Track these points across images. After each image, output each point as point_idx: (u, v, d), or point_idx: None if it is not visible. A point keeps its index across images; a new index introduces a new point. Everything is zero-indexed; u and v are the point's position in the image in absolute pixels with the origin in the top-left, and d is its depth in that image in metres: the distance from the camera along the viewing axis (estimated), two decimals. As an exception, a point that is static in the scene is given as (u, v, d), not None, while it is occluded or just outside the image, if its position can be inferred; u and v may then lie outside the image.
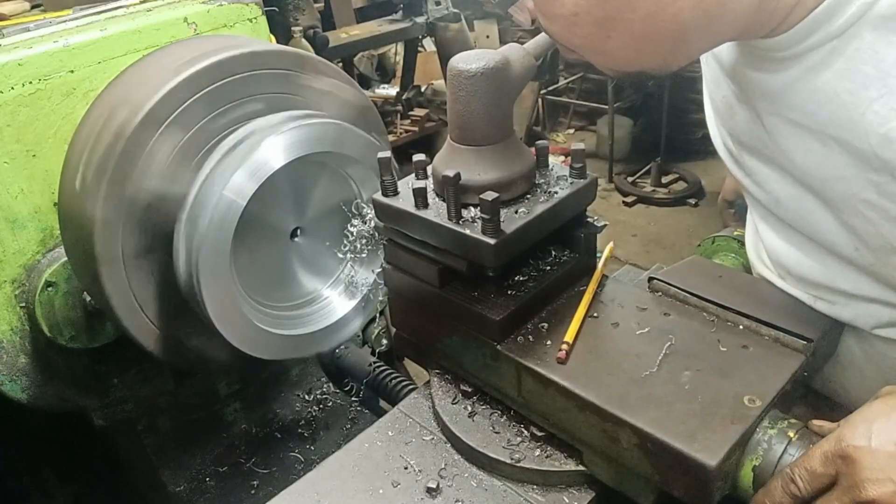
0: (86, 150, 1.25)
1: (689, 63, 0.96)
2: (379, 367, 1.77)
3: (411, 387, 1.68)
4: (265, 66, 1.30)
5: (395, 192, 1.08)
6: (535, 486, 1.01)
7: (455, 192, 0.98)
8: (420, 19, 4.50)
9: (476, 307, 1.04)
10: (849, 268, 1.01)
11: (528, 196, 1.06)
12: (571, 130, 6.86)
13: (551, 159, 1.15)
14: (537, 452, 1.03)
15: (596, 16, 0.86)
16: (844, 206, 0.93)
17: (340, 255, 1.39)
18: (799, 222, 1.05)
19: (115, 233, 1.22)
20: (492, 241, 0.95)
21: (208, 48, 1.29)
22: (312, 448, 1.74)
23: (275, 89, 1.32)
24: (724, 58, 1.04)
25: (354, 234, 1.34)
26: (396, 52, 6.36)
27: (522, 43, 1.09)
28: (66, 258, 1.39)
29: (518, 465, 1.01)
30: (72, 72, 1.38)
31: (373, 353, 1.84)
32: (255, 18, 1.63)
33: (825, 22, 0.83)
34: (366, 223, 1.32)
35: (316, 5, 4.28)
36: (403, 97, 5.62)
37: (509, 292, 1.06)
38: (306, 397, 1.89)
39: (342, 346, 1.83)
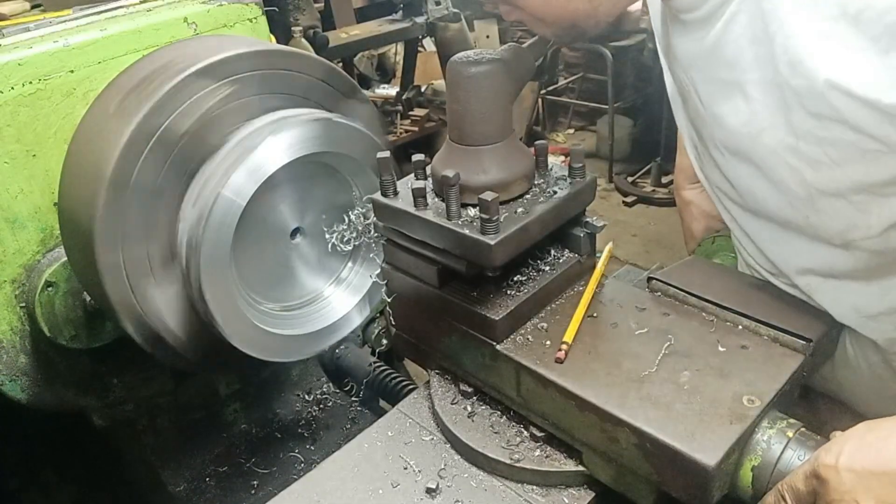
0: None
1: (617, 16, 1.01)
2: (379, 367, 1.77)
3: (411, 387, 1.68)
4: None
5: (395, 192, 1.08)
6: (534, 487, 1.01)
7: (454, 192, 0.98)
8: (420, 19, 4.51)
9: (475, 307, 1.04)
10: (799, 237, 1.03)
11: (528, 196, 1.06)
12: (571, 130, 6.85)
13: (551, 159, 1.15)
14: (537, 452, 1.03)
15: None
16: (771, 160, 0.95)
17: (327, 236, 1.38)
18: (752, 203, 1.07)
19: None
20: (491, 242, 0.95)
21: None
22: (312, 448, 1.74)
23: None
24: (661, 43, 1.10)
25: (350, 221, 1.34)
26: (396, 52, 6.36)
27: (522, 43, 1.10)
28: (66, 258, 1.39)
29: (518, 465, 1.01)
30: (72, 72, 1.38)
31: (373, 353, 1.84)
32: (255, 18, 1.63)
33: None
34: (367, 219, 1.32)
35: (316, 5, 4.28)
36: (403, 97, 5.61)
37: (509, 292, 1.06)
38: (306, 397, 1.89)
39: (342, 346, 1.83)
